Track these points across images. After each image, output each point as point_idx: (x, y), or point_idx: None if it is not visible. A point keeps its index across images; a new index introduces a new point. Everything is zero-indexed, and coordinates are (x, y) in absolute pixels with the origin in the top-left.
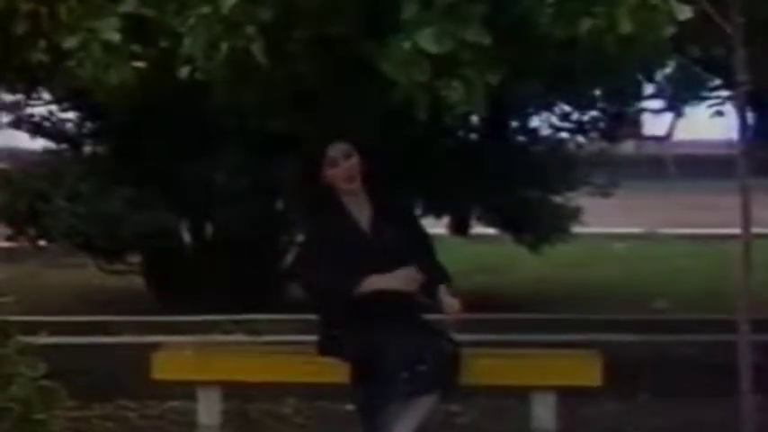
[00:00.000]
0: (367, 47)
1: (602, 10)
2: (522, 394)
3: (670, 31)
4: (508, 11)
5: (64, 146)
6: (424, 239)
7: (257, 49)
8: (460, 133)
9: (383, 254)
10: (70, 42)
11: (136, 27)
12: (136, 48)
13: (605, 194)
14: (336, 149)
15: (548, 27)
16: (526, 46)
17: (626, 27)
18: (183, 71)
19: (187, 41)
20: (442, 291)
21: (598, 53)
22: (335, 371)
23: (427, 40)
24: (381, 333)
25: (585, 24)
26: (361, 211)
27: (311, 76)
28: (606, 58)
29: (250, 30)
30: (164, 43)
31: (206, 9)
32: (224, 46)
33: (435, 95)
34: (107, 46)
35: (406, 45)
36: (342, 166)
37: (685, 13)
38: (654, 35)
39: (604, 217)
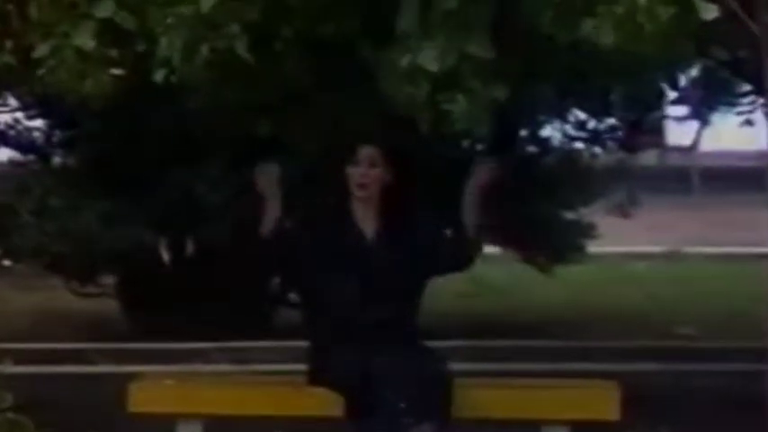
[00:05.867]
0: (363, 51)
1: (604, 10)
2: (532, 428)
3: (654, 44)
4: (509, 15)
5: (31, 156)
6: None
7: (241, 46)
8: (464, 143)
9: (383, 270)
10: (42, 50)
11: (112, 32)
12: (112, 53)
13: (624, 210)
14: (364, 152)
15: (549, 29)
16: (531, 50)
17: (608, 37)
18: (159, 74)
19: (164, 42)
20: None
21: (614, 53)
22: (328, 403)
23: (427, 59)
24: (377, 359)
25: (587, 26)
26: (370, 223)
27: (301, 76)
28: (623, 59)
29: (234, 28)
30: (140, 47)
31: (185, 9)
32: (204, 48)
33: (437, 110)
34: (81, 53)
35: (404, 62)
36: (360, 170)
37: (711, 12)
38: (642, 47)
39: (623, 235)
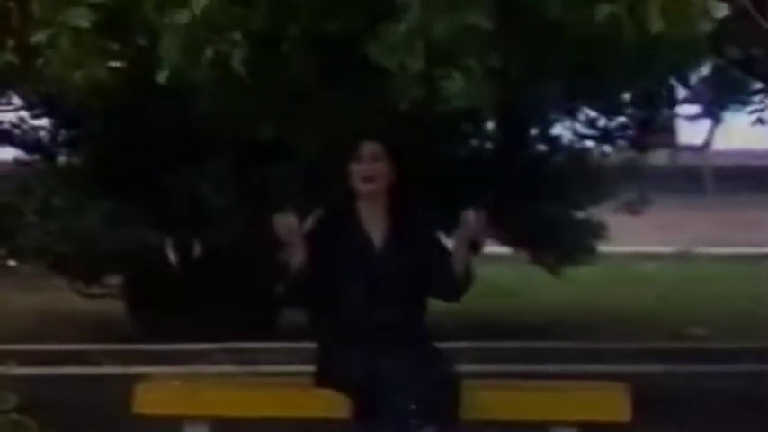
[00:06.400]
0: (368, 48)
1: None
2: (541, 430)
3: (707, 26)
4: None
5: (36, 156)
6: (445, 261)
7: (237, 57)
8: (473, 141)
9: (391, 274)
10: (39, 37)
11: (109, 21)
12: (110, 45)
13: (635, 210)
14: (367, 148)
15: (557, 14)
16: (537, 38)
17: (655, 24)
18: (162, 76)
19: (163, 43)
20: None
21: (624, 50)
22: (335, 404)
23: (425, 23)
24: (385, 360)
25: (602, 11)
26: (376, 224)
27: (304, 75)
28: (634, 55)
29: (235, 35)
30: (141, 41)
31: (184, 16)
32: (209, 50)
33: (431, 86)
34: (76, 37)
35: (400, 28)
36: (363, 165)
37: (722, 10)
38: (686, 32)
39: (634, 235)
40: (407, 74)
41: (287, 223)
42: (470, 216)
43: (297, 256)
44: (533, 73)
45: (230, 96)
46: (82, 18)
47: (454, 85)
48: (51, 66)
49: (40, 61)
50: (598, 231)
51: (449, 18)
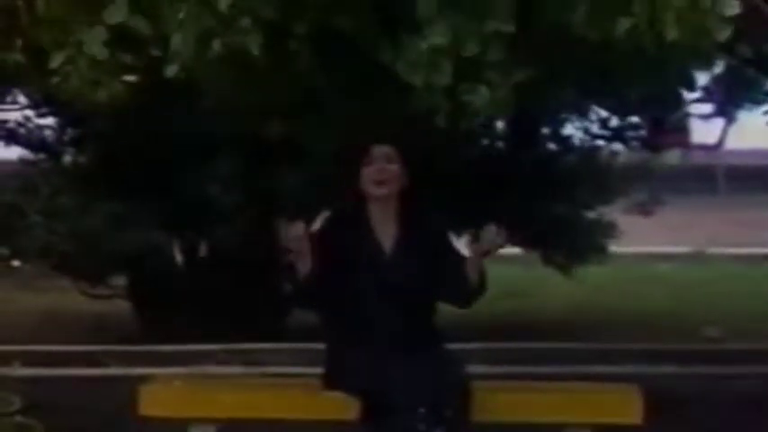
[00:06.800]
0: (379, 44)
1: (643, 9)
2: None
3: (723, 35)
4: (537, 10)
5: (41, 155)
6: (458, 266)
7: (253, 42)
8: (484, 140)
9: (400, 277)
10: (56, 60)
11: (124, 37)
12: (125, 59)
13: (647, 210)
14: (380, 150)
15: (581, 29)
16: (558, 48)
17: (672, 33)
18: (171, 69)
19: (176, 38)
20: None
21: (637, 55)
22: (343, 406)
23: (447, 41)
24: (394, 362)
25: (623, 25)
26: (387, 226)
27: (316, 74)
28: (647, 59)
29: (245, 23)
30: (154, 51)
31: (198, 5)
32: (216, 43)
33: (457, 100)
34: (94, 62)
35: (423, 45)
36: (376, 167)
37: (733, 8)
38: (704, 42)
39: (646, 235)
40: (433, 89)
41: (295, 232)
42: (491, 232)
43: (304, 263)
44: (549, 78)
45: (239, 90)
46: (98, 43)
47: (480, 98)
48: (69, 83)
49: (55, 79)
50: (609, 231)
51: (474, 29)
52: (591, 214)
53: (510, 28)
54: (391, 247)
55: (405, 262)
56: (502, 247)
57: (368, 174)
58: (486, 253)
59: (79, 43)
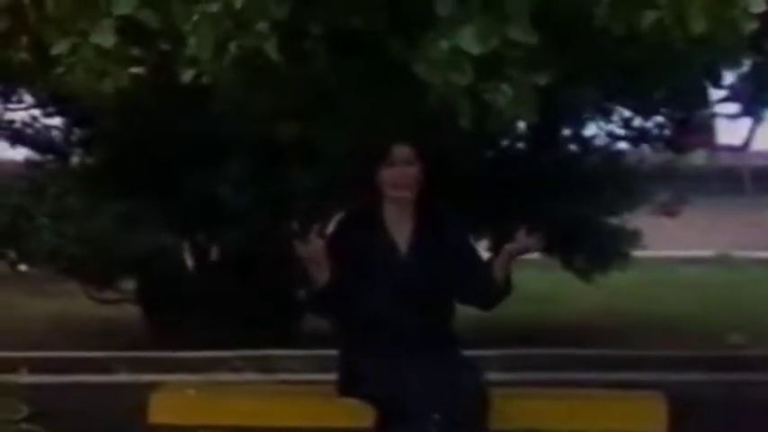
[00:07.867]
0: (395, 44)
1: (668, 1)
2: None
3: (751, 27)
4: (560, 3)
5: (48, 156)
6: (478, 267)
7: (271, 47)
8: (504, 141)
9: (416, 279)
10: (60, 48)
11: (133, 29)
12: (133, 51)
13: (671, 213)
14: (401, 151)
15: (604, 21)
16: (580, 43)
17: (698, 26)
18: (187, 75)
19: (192, 42)
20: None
21: (662, 50)
22: (358, 414)
23: (468, 41)
24: (409, 367)
25: (648, 18)
26: (403, 228)
27: (331, 76)
28: (672, 55)
29: (262, 26)
30: (164, 45)
31: (215, 6)
32: (233, 46)
33: (479, 100)
34: (100, 51)
35: (444, 45)
36: (396, 170)
37: (760, 4)
38: (730, 34)
39: (671, 238)
40: (454, 89)
41: (313, 247)
42: (524, 237)
43: (321, 272)
44: (572, 76)
45: (253, 92)
46: (105, 33)
47: (503, 98)
48: (74, 73)
49: (59, 69)
50: (633, 239)
51: (492, 33)
52: (614, 220)
53: (533, 39)
54: (407, 247)
55: (420, 262)
56: (537, 250)
57: (388, 176)
58: (521, 254)
59: (85, 32)
